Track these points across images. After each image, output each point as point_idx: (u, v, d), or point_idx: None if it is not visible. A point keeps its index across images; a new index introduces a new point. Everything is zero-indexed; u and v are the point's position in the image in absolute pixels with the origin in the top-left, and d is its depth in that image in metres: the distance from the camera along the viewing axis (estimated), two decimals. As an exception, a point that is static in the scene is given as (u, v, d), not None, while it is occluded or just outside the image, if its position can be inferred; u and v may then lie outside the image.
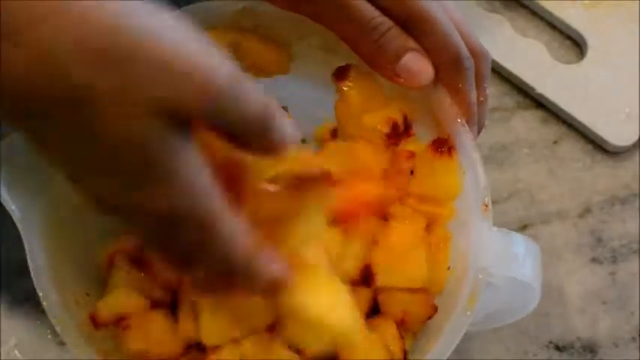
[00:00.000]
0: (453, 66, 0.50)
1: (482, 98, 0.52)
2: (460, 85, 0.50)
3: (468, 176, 0.50)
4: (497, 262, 0.48)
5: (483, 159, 0.67)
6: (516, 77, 0.72)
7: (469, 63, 0.50)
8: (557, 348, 0.63)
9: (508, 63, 0.72)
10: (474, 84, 0.51)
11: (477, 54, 0.52)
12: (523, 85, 0.72)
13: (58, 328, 0.47)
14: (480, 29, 0.71)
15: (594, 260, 0.67)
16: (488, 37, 0.71)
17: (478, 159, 0.50)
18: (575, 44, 0.75)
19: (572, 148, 0.71)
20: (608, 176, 0.70)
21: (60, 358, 0.59)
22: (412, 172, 0.51)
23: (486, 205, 0.49)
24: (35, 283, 0.47)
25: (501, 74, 0.72)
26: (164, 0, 0.38)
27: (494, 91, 0.72)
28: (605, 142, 0.70)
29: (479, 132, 0.53)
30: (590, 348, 0.63)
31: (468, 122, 0.51)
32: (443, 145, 0.50)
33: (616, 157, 0.70)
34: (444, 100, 0.51)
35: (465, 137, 0.50)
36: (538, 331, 0.63)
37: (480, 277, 0.47)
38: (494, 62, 0.71)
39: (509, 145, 0.71)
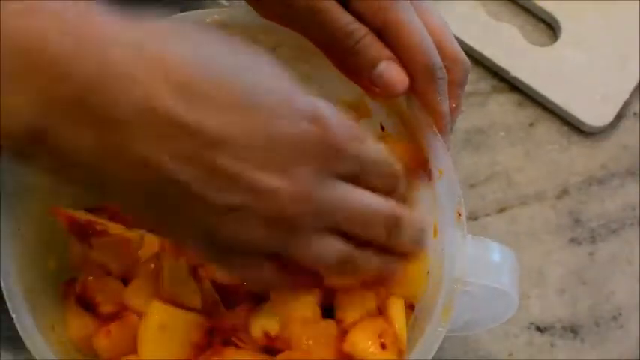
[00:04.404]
0: (425, 76, 0.49)
1: (454, 105, 0.52)
2: (432, 95, 0.50)
3: (442, 184, 0.50)
4: (473, 271, 0.48)
5: (460, 143, 0.69)
6: (491, 61, 0.72)
7: (442, 73, 0.50)
8: (538, 329, 0.64)
9: (482, 47, 0.72)
10: (446, 93, 0.50)
11: (454, 61, 0.51)
12: (498, 68, 0.72)
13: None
14: (453, 15, 0.71)
15: (573, 241, 0.67)
16: (462, 22, 0.71)
17: (451, 168, 0.49)
18: (548, 27, 0.74)
19: (548, 130, 0.71)
20: (585, 157, 0.70)
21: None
22: None
23: (460, 214, 0.48)
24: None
25: (476, 58, 0.72)
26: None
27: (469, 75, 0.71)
28: (581, 123, 0.70)
29: (446, 138, 0.52)
30: (571, 328, 0.64)
31: (440, 131, 0.50)
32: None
33: (592, 138, 0.71)
34: (417, 109, 0.51)
35: (437, 146, 0.50)
36: (519, 313, 0.62)
37: (455, 286, 0.47)
38: (468, 47, 0.71)
39: (485, 128, 0.71)
